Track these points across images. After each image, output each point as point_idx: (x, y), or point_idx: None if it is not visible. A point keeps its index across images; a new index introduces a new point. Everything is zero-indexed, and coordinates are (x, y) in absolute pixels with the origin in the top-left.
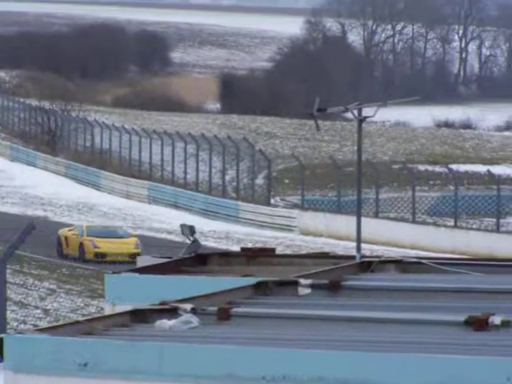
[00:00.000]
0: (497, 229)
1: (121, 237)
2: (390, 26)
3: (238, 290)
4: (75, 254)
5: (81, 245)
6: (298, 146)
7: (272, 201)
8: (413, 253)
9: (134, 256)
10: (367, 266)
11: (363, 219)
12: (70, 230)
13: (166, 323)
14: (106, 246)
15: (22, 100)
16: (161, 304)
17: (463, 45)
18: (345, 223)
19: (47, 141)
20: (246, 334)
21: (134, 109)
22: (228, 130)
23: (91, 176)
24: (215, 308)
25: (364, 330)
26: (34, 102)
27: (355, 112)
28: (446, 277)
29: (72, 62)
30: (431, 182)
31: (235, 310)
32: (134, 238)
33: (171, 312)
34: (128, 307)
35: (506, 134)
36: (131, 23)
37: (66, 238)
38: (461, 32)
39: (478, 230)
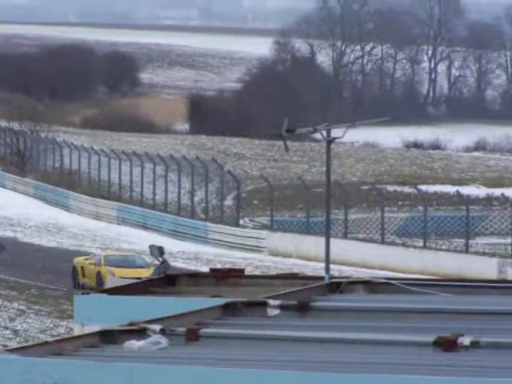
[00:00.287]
0: (466, 249)
1: (140, 266)
2: (358, 47)
3: (206, 310)
4: (92, 283)
5: (98, 274)
6: (266, 166)
7: (241, 222)
8: (382, 273)
9: None
10: (336, 286)
11: (332, 240)
12: (86, 259)
13: (134, 344)
14: (124, 275)
15: None
16: (130, 325)
17: (432, 65)
18: (314, 244)
19: (16, 162)
20: (214, 354)
21: (103, 130)
22: (197, 151)
23: (60, 197)
24: (184, 329)
25: (333, 351)
26: (3, 123)
27: (324, 133)
28: (414, 297)
29: (41, 82)
30: (400, 203)
31: (204, 330)
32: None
33: (140, 333)
34: (97, 328)
35: (475, 154)
36: (100, 44)
37: (83, 267)
38: (430, 52)
39: (447, 250)
